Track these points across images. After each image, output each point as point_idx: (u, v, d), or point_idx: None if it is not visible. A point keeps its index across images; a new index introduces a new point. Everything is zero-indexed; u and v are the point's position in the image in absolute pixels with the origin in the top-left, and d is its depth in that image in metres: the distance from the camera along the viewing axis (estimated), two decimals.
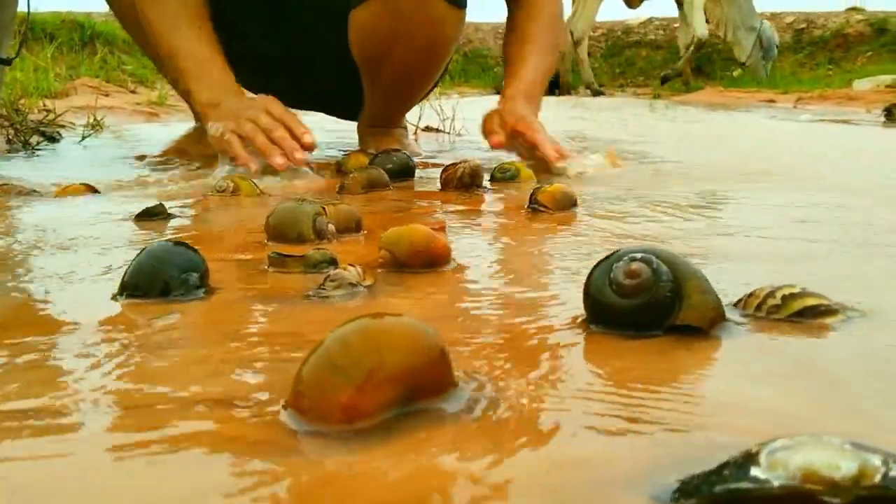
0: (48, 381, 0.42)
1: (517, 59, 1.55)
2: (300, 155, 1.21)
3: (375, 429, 0.36)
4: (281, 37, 1.75)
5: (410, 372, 0.38)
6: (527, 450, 0.34)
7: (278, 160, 1.18)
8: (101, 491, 0.31)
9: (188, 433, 0.36)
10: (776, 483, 0.28)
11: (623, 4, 10.39)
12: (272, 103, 1.28)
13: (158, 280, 0.57)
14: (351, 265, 0.61)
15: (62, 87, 3.20)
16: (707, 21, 9.54)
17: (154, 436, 0.35)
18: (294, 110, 1.35)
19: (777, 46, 9.25)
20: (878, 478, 0.27)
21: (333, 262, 0.65)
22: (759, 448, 0.29)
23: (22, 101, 2.19)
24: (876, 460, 0.27)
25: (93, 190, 1.11)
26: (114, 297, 0.57)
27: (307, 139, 1.23)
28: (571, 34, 10.41)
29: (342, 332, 0.38)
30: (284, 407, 0.38)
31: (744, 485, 0.28)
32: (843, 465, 0.27)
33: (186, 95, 1.57)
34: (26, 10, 1.91)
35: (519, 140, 1.40)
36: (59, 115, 2.11)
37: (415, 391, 0.38)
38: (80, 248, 0.75)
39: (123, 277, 0.58)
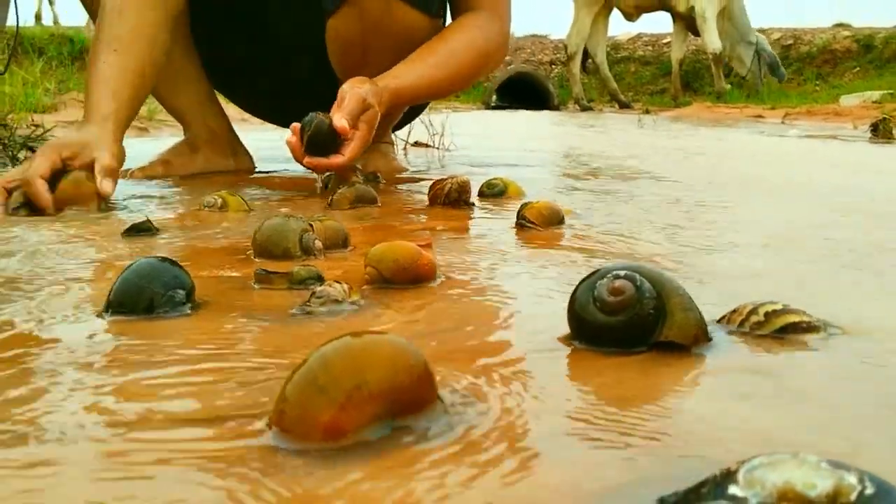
0: (30, 398, 0.42)
1: (414, 58, 1.45)
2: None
3: (358, 446, 0.36)
4: (265, 52, 1.75)
5: (393, 389, 0.38)
6: (508, 467, 0.34)
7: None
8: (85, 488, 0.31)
9: (172, 450, 0.36)
10: (754, 501, 0.28)
11: (619, 19, 10.49)
12: (59, 147, 1.17)
13: (144, 297, 0.57)
14: (337, 282, 0.61)
15: (51, 102, 3.20)
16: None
17: (137, 453, 0.35)
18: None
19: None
20: (853, 496, 0.27)
21: (319, 279, 0.65)
22: (738, 466, 0.29)
23: (10, 116, 2.19)
24: (852, 479, 0.28)
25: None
26: (99, 315, 0.57)
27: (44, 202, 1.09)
28: (566, 48, 10.48)
29: (324, 350, 0.38)
30: (268, 425, 0.38)
31: (722, 503, 0.28)
32: (819, 484, 0.27)
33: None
34: (15, 24, 1.92)
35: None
36: (48, 130, 2.11)
37: (397, 408, 0.38)
38: (67, 265, 0.75)
39: (109, 294, 0.58)
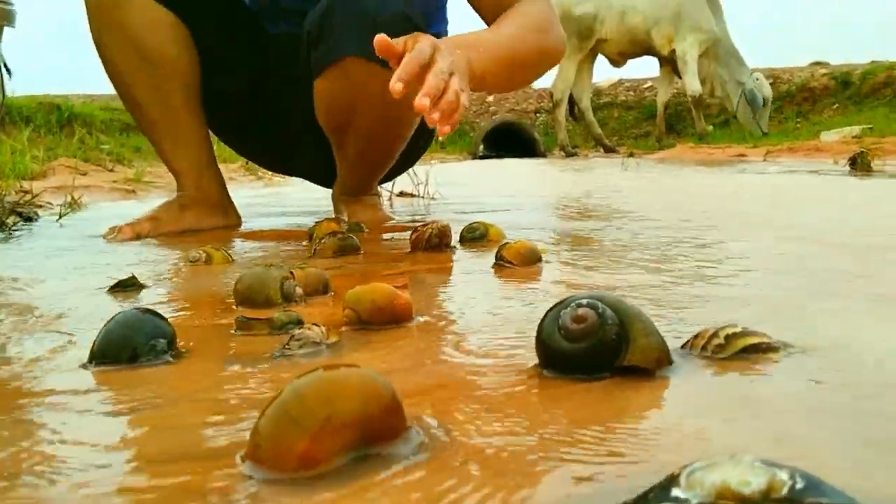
0: (16, 440, 0.43)
1: (480, 30, 1.34)
2: None
3: (330, 473, 0.38)
4: (261, 110, 1.82)
5: (363, 419, 0.40)
6: (474, 486, 0.36)
7: None
8: None
9: (153, 485, 0.37)
10: (694, 502, 0.30)
11: (600, 65, 10.65)
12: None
13: (127, 347, 0.59)
14: (315, 324, 0.63)
15: (40, 168, 3.23)
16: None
17: (122, 489, 0.37)
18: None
19: (765, 99, 9.37)
20: (784, 491, 0.29)
21: (299, 323, 0.67)
22: (680, 470, 0.31)
23: None
24: (783, 475, 0.29)
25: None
26: (83, 366, 0.59)
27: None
28: (551, 96, 10.62)
29: (296, 384, 0.40)
30: (243, 459, 0.39)
31: None
32: (753, 481, 0.29)
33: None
34: (1, 96, 1.96)
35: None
36: (36, 196, 2.14)
37: (368, 437, 0.40)
38: (52, 320, 0.76)
39: (93, 346, 0.59)
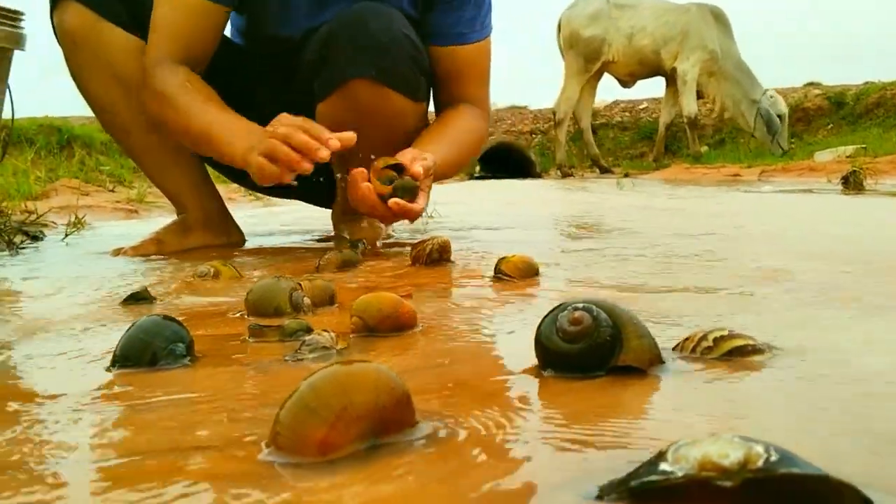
0: (55, 432, 0.47)
1: (433, 137, 1.60)
2: (323, 153, 1.28)
3: (345, 459, 0.41)
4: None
5: (376, 410, 0.43)
6: (477, 467, 0.39)
7: (305, 165, 1.29)
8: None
9: (182, 469, 0.41)
10: (680, 473, 0.33)
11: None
12: (284, 116, 1.38)
13: (147, 351, 0.62)
14: (325, 330, 0.66)
15: (42, 189, 3.27)
16: (702, 97, 9.76)
17: (154, 472, 0.40)
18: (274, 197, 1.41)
19: (781, 116, 9.28)
20: (760, 462, 0.32)
21: (309, 330, 0.70)
22: (667, 448, 0.35)
23: (4, 204, 2.25)
24: (759, 448, 0.33)
25: None
26: (107, 369, 0.62)
27: (325, 136, 1.31)
28: (553, 115, 10.66)
29: (314, 378, 0.43)
30: (267, 445, 0.43)
31: (654, 477, 0.34)
32: (731, 454, 0.33)
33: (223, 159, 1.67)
34: (10, 117, 2.00)
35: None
36: (41, 216, 2.17)
37: (381, 428, 0.43)
38: (73, 331, 0.80)
39: (115, 350, 0.63)
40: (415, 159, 1.39)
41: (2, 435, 0.47)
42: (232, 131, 1.42)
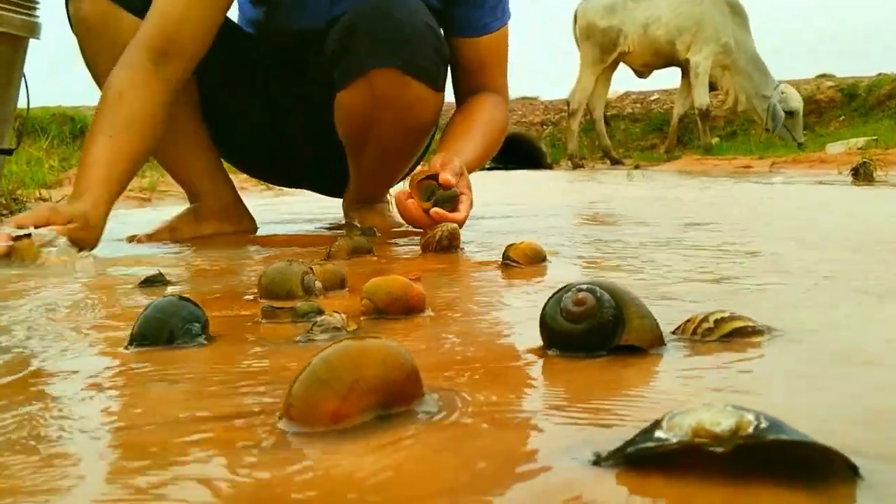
0: (75, 404, 0.49)
1: (462, 133, 1.64)
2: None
3: (355, 429, 0.43)
4: (271, 123, 1.87)
5: (386, 384, 0.45)
6: (482, 436, 0.41)
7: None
8: (133, 469, 0.38)
9: (198, 437, 0.42)
10: (674, 440, 0.35)
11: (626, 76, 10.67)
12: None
13: (164, 330, 0.64)
14: (336, 312, 0.68)
15: (56, 178, 3.30)
16: (715, 89, 9.73)
17: (173, 441, 0.42)
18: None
19: (794, 110, 9.22)
20: (751, 429, 0.34)
21: (320, 313, 0.72)
22: (663, 417, 0.36)
23: (19, 192, 2.28)
24: (750, 416, 0.35)
25: None
26: (126, 347, 0.64)
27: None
28: (567, 105, 10.66)
29: (326, 353, 0.45)
30: (280, 416, 0.45)
31: (649, 444, 0.35)
32: (723, 422, 0.34)
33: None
34: (26, 105, 2.02)
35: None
36: (56, 203, 2.20)
37: (390, 401, 0.45)
38: (91, 311, 0.82)
39: (133, 329, 0.65)
40: (444, 165, 1.43)
41: (23, 408, 0.49)
42: (78, 183, 1.40)
